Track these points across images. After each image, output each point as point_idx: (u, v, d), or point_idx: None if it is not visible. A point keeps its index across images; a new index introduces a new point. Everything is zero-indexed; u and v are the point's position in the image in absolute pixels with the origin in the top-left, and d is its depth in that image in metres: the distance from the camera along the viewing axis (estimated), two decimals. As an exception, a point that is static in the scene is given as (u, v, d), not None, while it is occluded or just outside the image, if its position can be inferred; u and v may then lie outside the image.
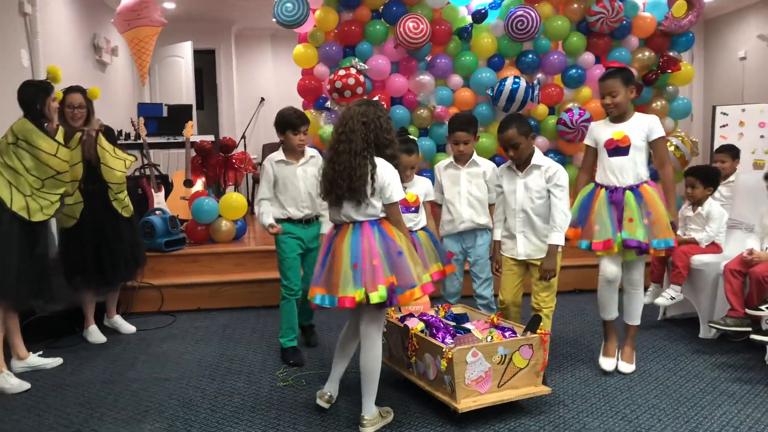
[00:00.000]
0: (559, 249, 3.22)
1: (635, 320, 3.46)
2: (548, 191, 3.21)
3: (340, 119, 2.74)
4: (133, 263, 4.23)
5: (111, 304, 4.38)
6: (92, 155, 3.91)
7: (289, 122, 3.57)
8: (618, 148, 3.26)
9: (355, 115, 2.69)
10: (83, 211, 3.94)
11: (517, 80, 5.77)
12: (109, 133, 4.18)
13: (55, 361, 3.76)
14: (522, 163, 3.27)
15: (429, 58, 6.15)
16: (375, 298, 2.56)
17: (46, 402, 3.21)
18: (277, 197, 3.65)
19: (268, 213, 3.61)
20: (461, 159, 3.57)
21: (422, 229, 3.48)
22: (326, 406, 2.95)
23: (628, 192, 3.23)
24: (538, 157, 3.26)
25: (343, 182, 2.65)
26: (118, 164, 4.02)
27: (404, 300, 2.63)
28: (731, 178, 4.43)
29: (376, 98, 5.69)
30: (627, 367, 3.41)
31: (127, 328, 4.35)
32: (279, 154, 3.65)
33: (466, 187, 3.55)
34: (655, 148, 3.30)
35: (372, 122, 2.68)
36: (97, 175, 3.97)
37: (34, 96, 3.51)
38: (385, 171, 2.68)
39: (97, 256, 3.99)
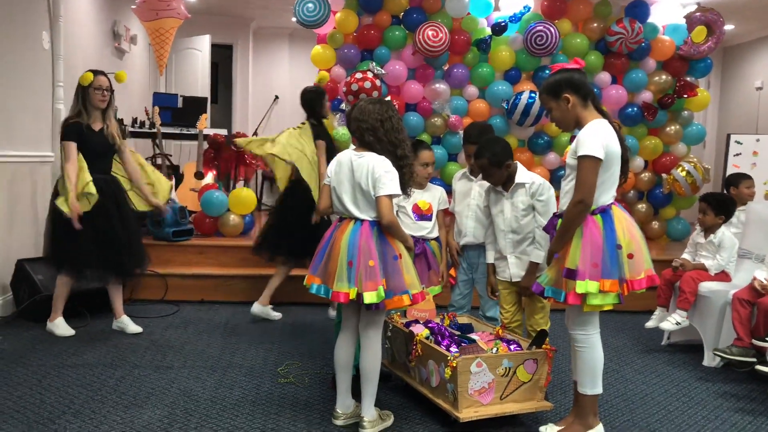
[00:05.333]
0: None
1: (582, 385, 2.72)
2: (533, 207, 3.14)
3: (355, 116, 2.73)
4: (132, 261, 4.04)
5: (118, 304, 4.15)
6: (115, 141, 3.94)
7: None
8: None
9: (372, 113, 2.69)
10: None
11: (533, 95, 5.78)
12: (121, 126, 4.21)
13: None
14: (506, 183, 3.18)
15: (446, 67, 6.17)
16: (369, 298, 2.56)
17: (47, 381, 3.22)
18: None
19: None
20: (476, 170, 3.53)
21: (435, 239, 3.47)
22: (341, 423, 2.84)
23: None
24: (521, 175, 3.16)
25: None
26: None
27: (392, 305, 2.64)
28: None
29: (388, 98, 5.69)
30: None
31: (133, 328, 4.11)
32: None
33: (476, 200, 3.46)
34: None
35: (386, 121, 2.70)
36: (109, 163, 4.00)
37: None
38: (379, 163, 2.65)
39: (95, 245, 3.83)
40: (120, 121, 4.08)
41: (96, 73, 3.90)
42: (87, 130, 3.86)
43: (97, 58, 6.30)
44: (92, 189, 3.80)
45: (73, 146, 3.82)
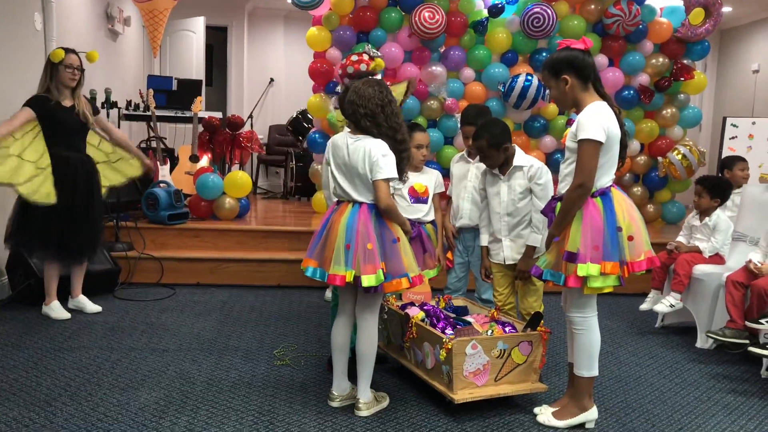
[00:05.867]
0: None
1: (579, 368, 2.74)
2: (530, 190, 3.14)
3: (351, 99, 2.68)
4: (96, 242, 4.10)
5: (77, 283, 4.15)
6: (87, 120, 3.91)
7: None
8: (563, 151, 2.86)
9: (372, 98, 2.65)
10: (62, 181, 3.83)
11: (529, 78, 5.75)
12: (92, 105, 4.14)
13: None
14: (503, 166, 3.16)
15: (442, 50, 6.13)
16: (367, 281, 2.56)
17: (43, 364, 3.22)
18: None
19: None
20: (473, 152, 3.51)
21: (430, 222, 3.47)
22: (337, 405, 2.85)
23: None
24: (519, 158, 3.13)
25: None
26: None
27: (391, 288, 2.64)
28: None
29: (379, 76, 5.63)
30: (548, 420, 2.79)
31: (92, 307, 4.11)
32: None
33: (473, 182, 3.47)
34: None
35: (386, 106, 2.67)
36: (82, 141, 3.97)
37: None
38: (375, 146, 2.62)
39: (67, 227, 3.85)
40: (90, 100, 4.06)
41: (67, 50, 3.84)
42: (57, 107, 3.81)
43: (90, 40, 6.23)
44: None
45: (26, 112, 3.74)
